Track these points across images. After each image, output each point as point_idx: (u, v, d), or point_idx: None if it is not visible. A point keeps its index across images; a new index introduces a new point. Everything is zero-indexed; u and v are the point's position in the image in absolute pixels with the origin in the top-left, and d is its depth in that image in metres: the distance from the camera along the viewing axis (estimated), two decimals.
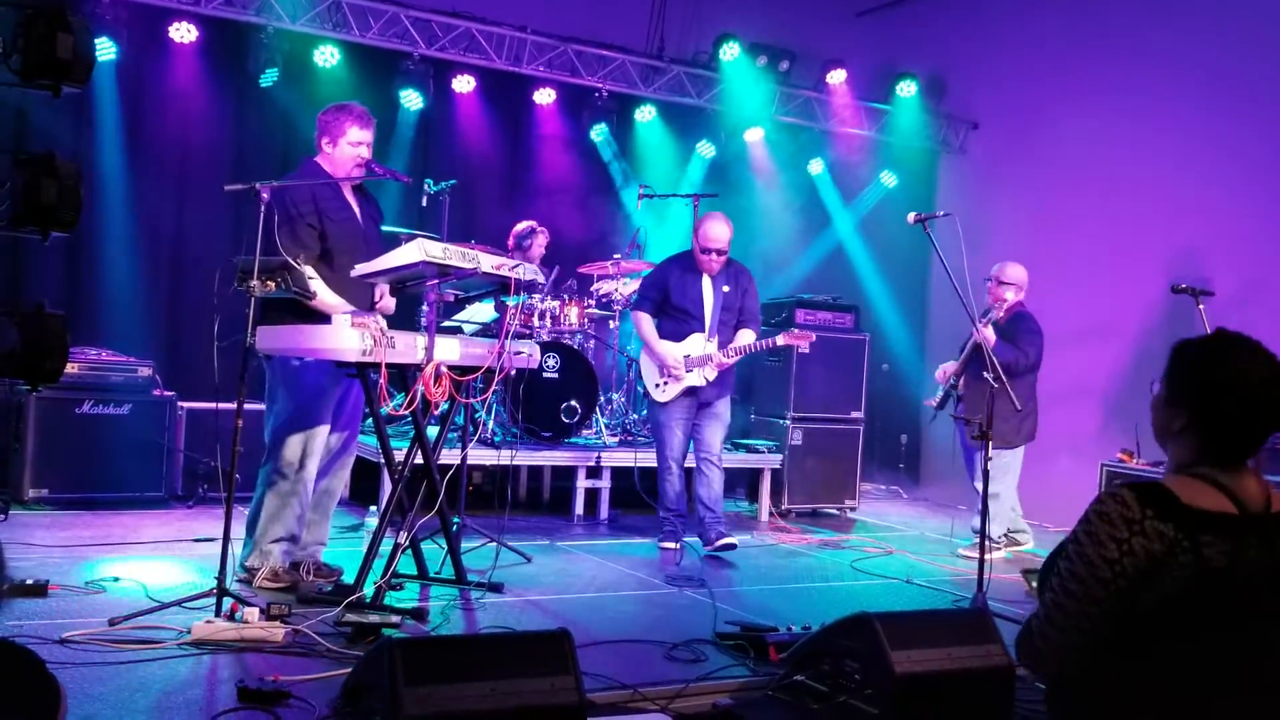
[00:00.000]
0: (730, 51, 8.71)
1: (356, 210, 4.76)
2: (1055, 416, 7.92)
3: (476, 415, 6.29)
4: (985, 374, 5.13)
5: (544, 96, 8.55)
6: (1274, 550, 2.05)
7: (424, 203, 6.19)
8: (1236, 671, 2.04)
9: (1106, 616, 2.04)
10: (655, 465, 6.20)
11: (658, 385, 6.04)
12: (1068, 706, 2.19)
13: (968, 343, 6.53)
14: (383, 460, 4.90)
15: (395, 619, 4.06)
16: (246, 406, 4.19)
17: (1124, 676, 2.07)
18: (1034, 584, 2.45)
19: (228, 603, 3.92)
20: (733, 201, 9.56)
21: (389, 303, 4.85)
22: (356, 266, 4.40)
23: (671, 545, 6.00)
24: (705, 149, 9.26)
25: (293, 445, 4.57)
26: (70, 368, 4.69)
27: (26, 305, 3.81)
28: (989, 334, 6.08)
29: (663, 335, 6.05)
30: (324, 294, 4.47)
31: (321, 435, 4.64)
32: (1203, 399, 2.09)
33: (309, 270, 4.40)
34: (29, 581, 4.19)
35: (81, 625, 3.77)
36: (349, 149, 4.68)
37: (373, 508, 6.38)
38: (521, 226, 6.82)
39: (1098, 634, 2.05)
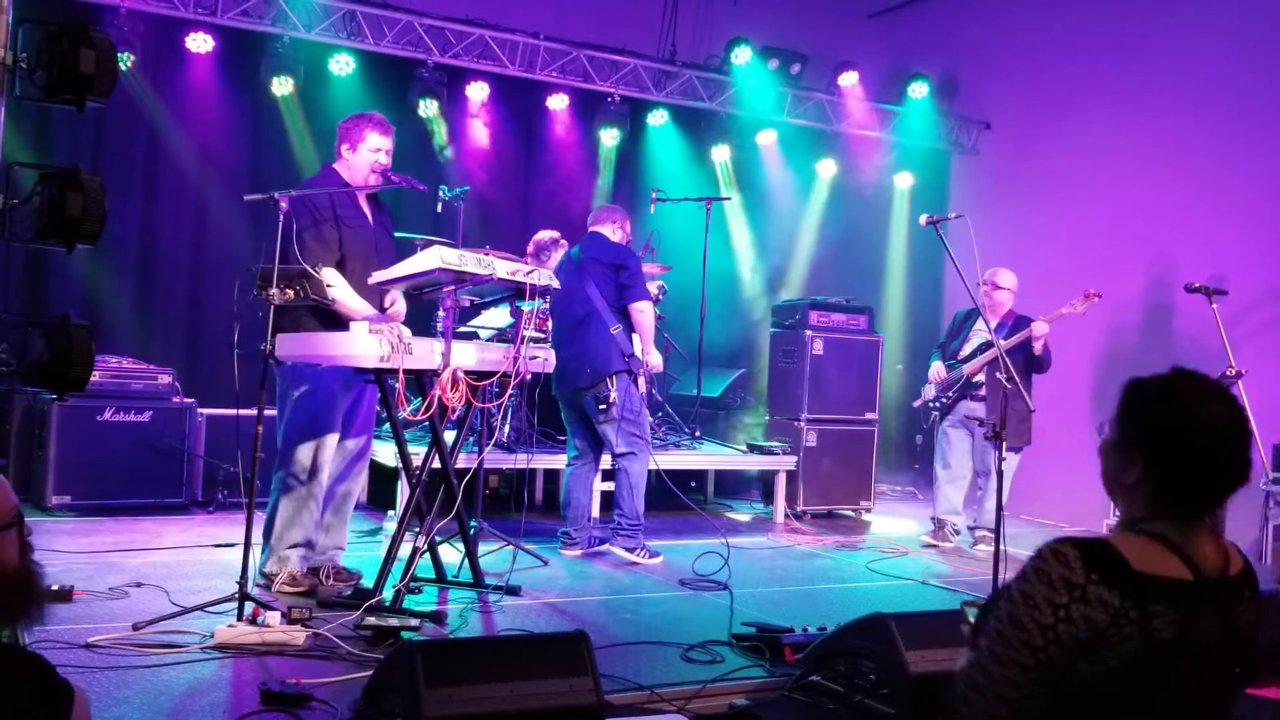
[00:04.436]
0: (742, 55, 8.74)
1: (370, 218, 4.82)
2: (1067, 416, 7.94)
3: (493, 420, 6.33)
4: (997, 375, 5.15)
5: (557, 102, 8.60)
6: (1228, 618, 1.85)
7: (439, 209, 6.25)
8: None
9: (1036, 685, 1.80)
10: (665, 468, 6.12)
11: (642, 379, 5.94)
12: None
13: (981, 345, 6.58)
14: (400, 465, 4.95)
15: (414, 622, 4.10)
16: (266, 412, 4.24)
17: None
18: (972, 620, 2.14)
19: (249, 607, 3.98)
20: (745, 204, 9.62)
21: (400, 309, 4.90)
22: (374, 274, 4.46)
23: (659, 558, 5.80)
24: (718, 152, 9.29)
25: (304, 451, 4.62)
26: (92, 375, 4.76)
27: (51, 316, 3.87)
28: (1039, 330, 6.38)
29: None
30: (346, 298, 4.53)
31: (332, 442, 4.69)
32: (1162, 448, 1.85)
33: (329, 276, 4.46)
34: (54, 587, 4.24)
35: (106, 630, 3.83)
36: (368, 154, 4.73)
37: (391, 512, 6.43)
38: (544, 236, 6.81)
39: (1026, 704, 1.81)
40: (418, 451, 5.19)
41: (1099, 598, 1.76)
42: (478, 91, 8.25)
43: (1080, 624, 1.77)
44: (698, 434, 7.74)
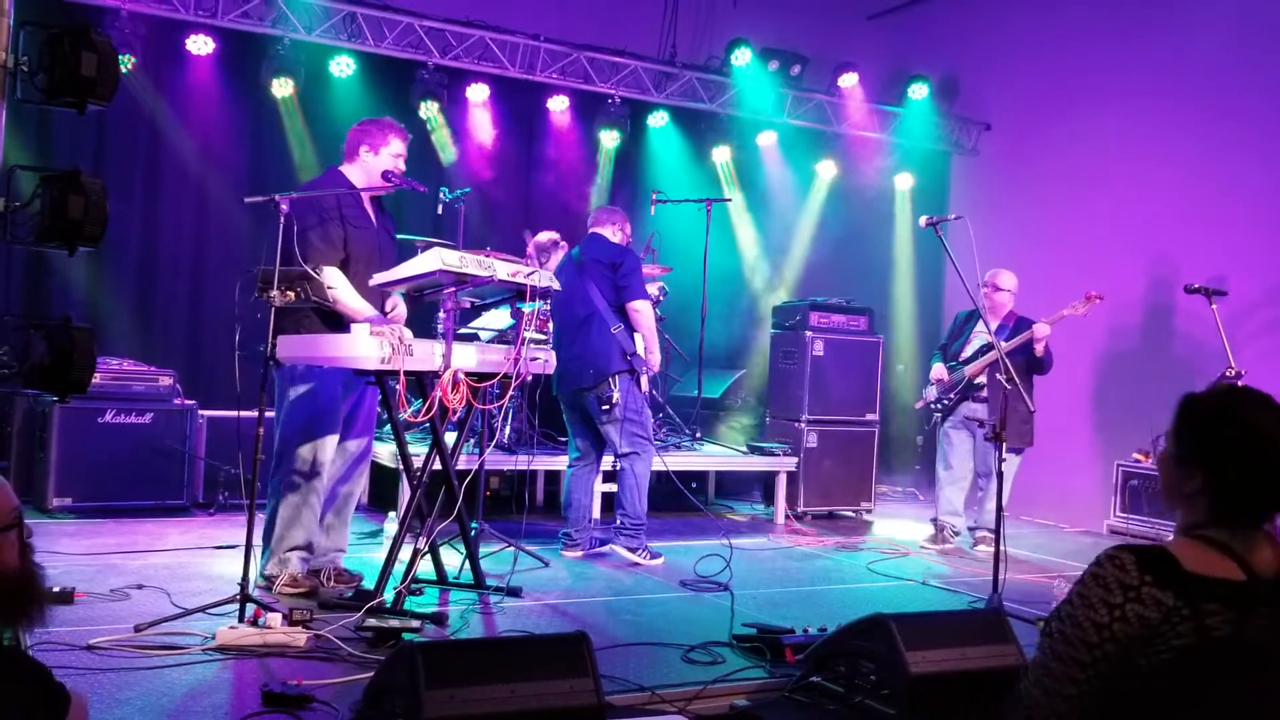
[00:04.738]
0: (742, 56, 8.74)
1: (374, 220, 4.83)
2: (1067, 417, 7.95)
3: (493, 421, 6.34)
4: (998, 376, 5.16)
5: (557, 103, 8.61)
6: None
7: (439, 211, 6.25)
8: None
9: (1093, 682, 1.92)
10: (663, 469, 6.11)
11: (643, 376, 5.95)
12: None
13: (983, 347, 6.59)
14: (401, 466, 4.95)
15: (415, 623, 4.11)
16: (267, 414, 4.24)
17: None
18: None
19: (251, 608, 3.98)
20: (746, 205, 9.62)
21: (401, 311, 4.91)
22: (375, 276, 4.47)
23: (660, 559, 5.83)
24: (718, 153, 9.30)
25: (304, 452, 4.63)
26: (93, 377, 4.78)
27: (53, 318, 3.88)
28: (1041, 332, 6.39)
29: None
30: (348, 298, 4.53)
31: (331, 444, 4.70)
32: (1219, 460, 1.96)
33: (331, 276, 4.46)
34: (55, 589, 4.25)
35: (108, 631, 3.83)
36: (389, 159, 4.80)
37: (392, 513, 6.44)
38: (544, 238, 6.82)
39: (1085, 700, 1.94)
40: (419, 453, 5.20)
41: (1153, 598, 1.88)
42: (478, 93, 8.25)
43: (1134, 622, 1.88)
44: (698, 435, 7.74)
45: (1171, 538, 2.04)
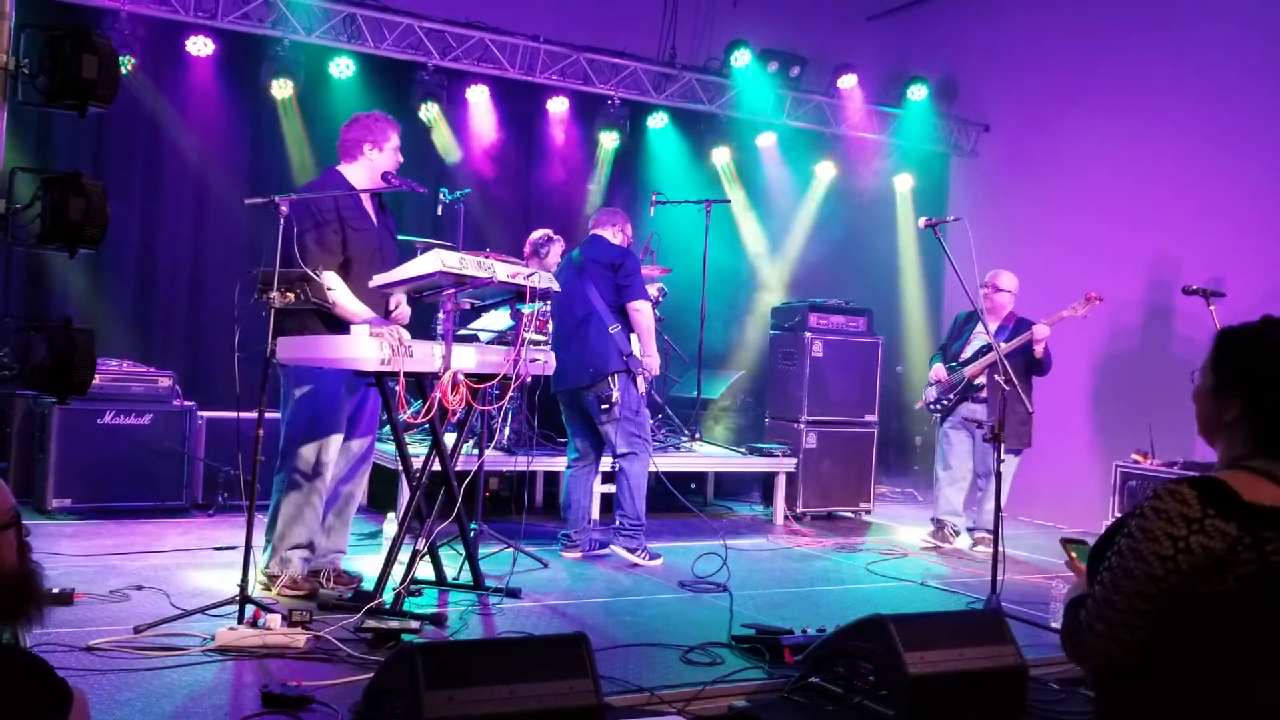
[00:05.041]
0: (741, 58, 8.75)
1: (374, 221, 4.83)
2: (1066, 418, 7.96)
3: (493, 422, 6.34)
4: (996, 377, 5.17)
5: (557, 105, 8.62)
6: None
7: (439, 212, 6.26)
8: None
9: (1158, 612, 1.96)
10: (665, 469, 6.11)
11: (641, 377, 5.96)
12: (1122, 704, 2.09)
13: (982, 348, 6.59)
14: (401, 467, 4.96)
15: (415, 624, 4.11)
16: (267, 415, 4.25)
17: (1181, 671, 1.99)
18: (1074, 554, 2.45)
19: (250, 610, 3.99)
20: (745, 206, 9.62)
21: (404, 312, 4.92)
22: (375, 277, 4.47)
23: (660, 559, 5.85)
24: (718, 155, 9.31)
25: (306, 453, 4.63)
26: (93, 379, 4.79)
27: (53, 319, 3.88)
28: (1040, 334, 6.42)
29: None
30: (346, 301, 4.53)
31: (335, 443, 4.70)
32: (1257, 386, 2.02)
33: (329, 279, 4.46)
34: (55, 590, 4.25)
35: (107, 633, 3.84)
36: (392, 155, 4.80)
37: (391, 514, 6.44)
38: (538, 235, 6.86)
39: (1148, 630, 1.98)
40: (418, 454, 5.20)
41: (1217, 529, 1.92)
42: (478, 94, 8.26)
43: (1199, 553, 1.92)
44: (697, 435, 7.75)
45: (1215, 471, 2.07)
